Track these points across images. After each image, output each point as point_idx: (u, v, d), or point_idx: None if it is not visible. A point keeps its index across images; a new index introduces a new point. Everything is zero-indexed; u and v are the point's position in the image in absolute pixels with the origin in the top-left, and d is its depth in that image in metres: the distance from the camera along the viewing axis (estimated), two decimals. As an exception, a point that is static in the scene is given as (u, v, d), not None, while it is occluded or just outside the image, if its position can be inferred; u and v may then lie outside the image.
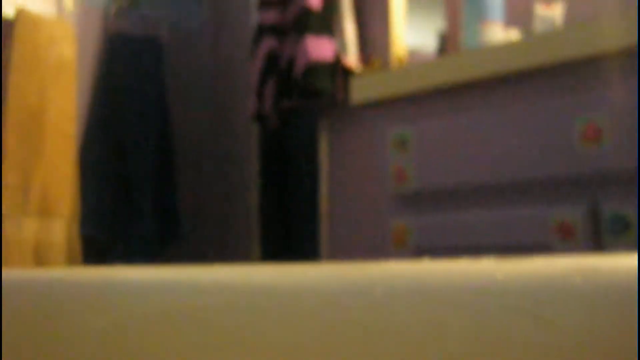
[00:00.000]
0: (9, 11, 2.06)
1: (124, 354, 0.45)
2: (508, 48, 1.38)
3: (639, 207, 1.18)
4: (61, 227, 2.04)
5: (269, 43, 2.21)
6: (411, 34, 2.13)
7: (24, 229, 1.95)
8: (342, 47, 2.09)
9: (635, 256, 0.34)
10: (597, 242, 1.22)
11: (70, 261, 2.04)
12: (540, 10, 1.59)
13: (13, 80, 1.98)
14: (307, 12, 2.08)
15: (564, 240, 1.25)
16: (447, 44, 2.01)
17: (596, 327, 0.29)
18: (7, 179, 1.93)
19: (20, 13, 2.02)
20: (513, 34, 1.61)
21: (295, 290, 0.39)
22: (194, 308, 0.43)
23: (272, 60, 2.21)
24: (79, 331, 0.48)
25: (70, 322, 0.49)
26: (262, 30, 2.23)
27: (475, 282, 0.33)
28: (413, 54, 2.12)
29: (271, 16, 2.23)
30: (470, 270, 0.35)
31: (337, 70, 2.09)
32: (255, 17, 2.34)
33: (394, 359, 0.33)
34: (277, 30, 2.22)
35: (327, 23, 2.09)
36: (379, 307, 0.34)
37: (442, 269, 0.35)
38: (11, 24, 2.02)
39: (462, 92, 1.46)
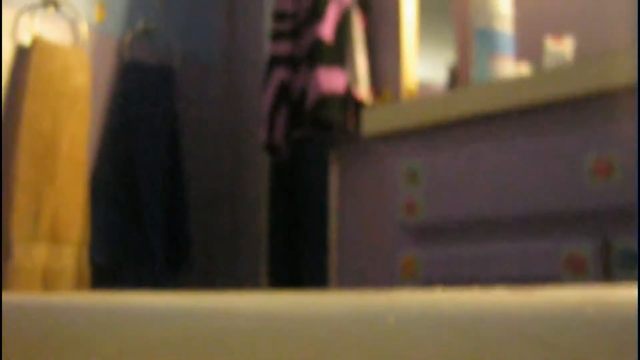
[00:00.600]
0: (25, 39, 2.09)
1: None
2: (518, 82, 1.39)
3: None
4: (71, 253, 2.04)
5: (281, 74, 2.23)
6: (422, 67, 2.14)
7: (33, 255, 1.96)
8: (354, 79, 2.11)
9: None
10: (607, 277, 1.22)
11: (79, 287, 2.04)
12: (551, 45, 1.60)
13: (28, 107, 2.00)
14: (319, 43, 2.09)
15: (574, 273, 1.25)
16: (457, 77, 2.02)
17: (607, 356, 0.30)
18: (18, 204, 1.94)
19: (36, 41, 2.05)
20: (523, 69, 1.62)
21: (308, 317, 0.39)
22: (202, 334, 0.43)
23: (283, 90, 2.22)
24: (87, 356, 0.48)
25: (78, 347, 0.49)
26: (275, 61, 2.25)
27: (488, 310, 0.33)
28: (424, 87, 2.13)
29: (284, 47, 2.25)
30: (484, 299, 0.35)
31: (348, 102, 2.10)
32: (267, 48, 2.36)
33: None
34: (290, 61, 2.24)
35: (339, 55, 2.10)
36: (392, 334, 0.34)
37: (455, 298, 0.36)
38: (27, 51, 2.05)
39: (473, 125, 1.47)
